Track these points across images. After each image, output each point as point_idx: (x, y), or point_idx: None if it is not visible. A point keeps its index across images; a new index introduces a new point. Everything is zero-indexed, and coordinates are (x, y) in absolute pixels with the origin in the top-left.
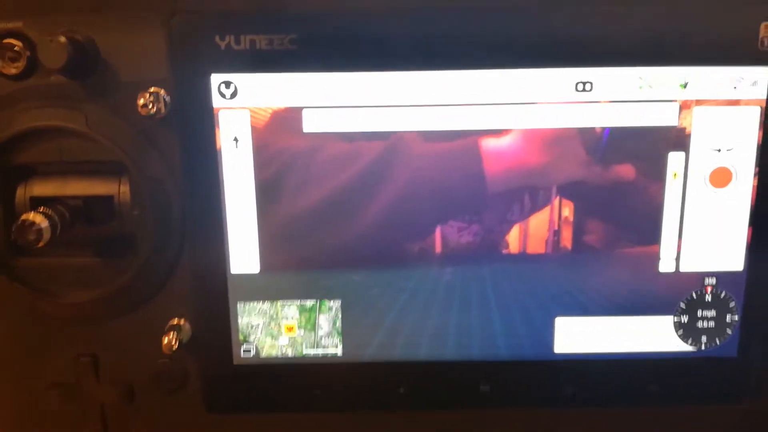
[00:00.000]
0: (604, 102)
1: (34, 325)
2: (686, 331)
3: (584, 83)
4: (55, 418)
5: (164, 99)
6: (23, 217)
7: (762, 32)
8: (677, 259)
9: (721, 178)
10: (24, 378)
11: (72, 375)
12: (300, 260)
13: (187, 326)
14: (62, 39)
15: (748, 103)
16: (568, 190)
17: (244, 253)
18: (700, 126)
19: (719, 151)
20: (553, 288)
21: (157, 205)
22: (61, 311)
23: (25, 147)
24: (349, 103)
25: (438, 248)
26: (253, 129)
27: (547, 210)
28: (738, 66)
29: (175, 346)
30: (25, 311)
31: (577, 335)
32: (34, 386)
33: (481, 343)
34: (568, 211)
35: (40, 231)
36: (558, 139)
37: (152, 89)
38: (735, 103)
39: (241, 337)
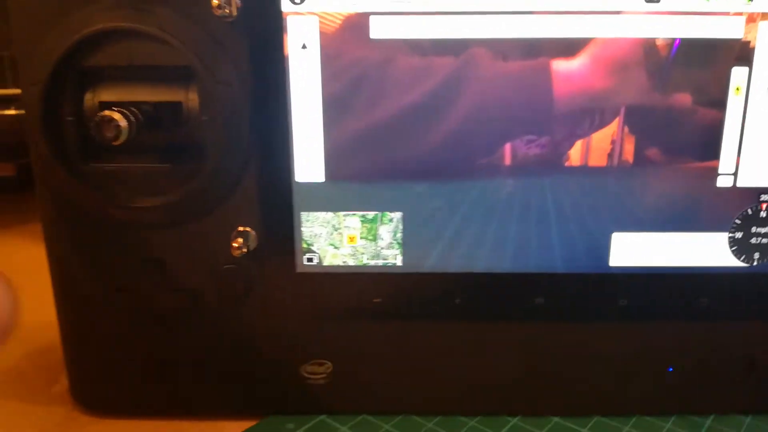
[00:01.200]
0: (672, 14)
1: (102, 230)
2: (740, 247)
3: None
4: (120, 323)
5: (236, 0)
6: (104, 112)
7: None
8: (735, 174)
9: None
10: (91, 281)
11: (138, 280)
12: (364, 171)
13: (254, 234)
14: None
15: None
16: (633, 107)
17: (309, 162)
18: (765, 40)
19: None
20: (611, 202)
21: (226, 111)
22: (129, 216)
23: (94, 50)
24: (419, 9)
25: (505, 161)
26: (322, 35)
27: (612, 125)
28: None
29: (243, 251)
30: (94, 216)
31: (633, 249)
32: (100, 290)
33: (538, 256)
34: (631, 126)
35: (119, 128)
36: (625, 56)
37: None
38: None
39: (304, 246)
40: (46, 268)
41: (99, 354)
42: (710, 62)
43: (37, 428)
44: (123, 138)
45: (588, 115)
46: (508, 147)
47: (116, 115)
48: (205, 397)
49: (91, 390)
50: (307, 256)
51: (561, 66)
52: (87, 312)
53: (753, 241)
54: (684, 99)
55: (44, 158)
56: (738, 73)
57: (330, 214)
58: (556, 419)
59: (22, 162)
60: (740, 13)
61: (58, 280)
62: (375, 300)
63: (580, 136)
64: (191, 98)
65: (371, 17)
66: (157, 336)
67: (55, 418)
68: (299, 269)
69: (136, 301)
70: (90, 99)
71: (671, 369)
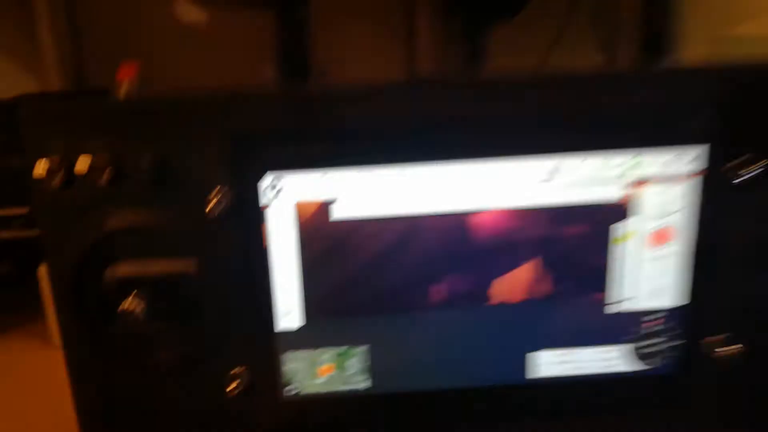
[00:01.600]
0: (565, 184)
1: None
2: (635, 356)
3: (551, 171)
4: None
5: (224, 198)
6: (124, 307)
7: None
8: (620, 301)
9: (660, 238)
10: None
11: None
12: (334, 315)
13: (246, 374)
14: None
15: (685, 178)
16: (537, 252)
17: (288, 314)
18: (644, 199)
19: (660, 217)
20: (526, 328)
21: (223, 280)
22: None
23: (112, 241)
24: (368, 194)
25: (439, 297)
26: (295, 219)
27: (522, 268)
28: (678, 146)
29: (238, 390)
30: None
31: (547, 364)
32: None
33: (467, 372)
34: (537, 267)
35: (136, 316)
36: (530, 214)
37: (215, 190)
38: (674, 179)
39: (285, 380)
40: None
41: None
42: (597, 219)
43: None
44: (140, 321)
45: (500, 259)
46: (441, 286)
47: (133, 307)
48: None
49: None
50: (288, 388)
51: (477, 219)
52: None
53: (645, 350)
54: (578, 246)
55: (68, 324)
56: (622, 226)
57: (307, 352)
58: None
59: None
60: (624, 178)
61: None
62: (347, 418)
63: (496, 277)
64: (194, 269)
65: (330, 206)
66: None
67: None
68: (283, 399)
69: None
70: (110, 275)
71: None
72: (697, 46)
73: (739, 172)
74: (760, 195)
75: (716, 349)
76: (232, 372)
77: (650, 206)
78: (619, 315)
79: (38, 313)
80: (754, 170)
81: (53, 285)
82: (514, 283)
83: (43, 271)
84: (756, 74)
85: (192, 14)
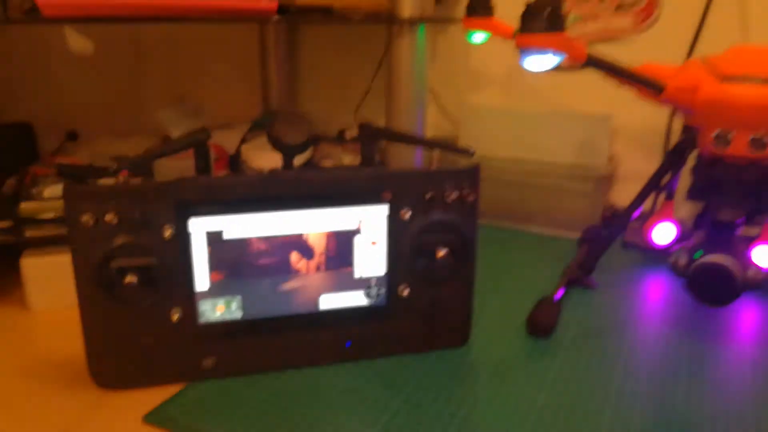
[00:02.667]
0: (333, 220)
1: None
2: (366, 296)
3: (326, 215)
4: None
5: (171, 229)
6: (127, 280)
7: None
8: (359, 271)
9: (374, 243)
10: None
11: None
12: (225, 282)
13: None
14: None
15: (383, 219)
16: (323, 249)
17: (202, 282)
18: (364, 227)
19: (374, 233)
20: (318, 284)
21: (170, 268)
22: None
23: (116, 251)
24: (242, 226)
25: (274, 272)
26: (206, 238)
27: (314, 259)
28: (376, 205)
29: (177, 319)
30: None
31: (327, 301)
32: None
33: (288, 308)
34: (321, 256)
35: (133, 285)
36: (325, 234)
37: (167, 226)
38: (378, 218)
39: None
40: None
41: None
42: (346, 237)
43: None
44: (135, 287)
45: (305, 252)
46: (279, 264)
47: (130, 280)
48: None
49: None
50: (201, 318)
51: (299, 241)
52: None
53: (371, 293)
54: (342, 246)
55: (87, 294)
56: (356, 239)
57: (210, 300)
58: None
59: None
60: (354, 221)
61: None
62: (231, 332)
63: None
64: (157, 263)
65: (222, 232)
66: None
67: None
68: (198, 323)
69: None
70: (115, 264)
71: (349, 343)
72: (447, 108)
73: (403, 217)
74: (415, 225)
75: (402, 292)
76: (173, 311)
77: (368, 229)
78: (359, 278)
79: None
80: (407, 214)
81: (78, 273)
82: (312, 263)
83: (25, 261)
84: (404, 175)
85: (79, 44)
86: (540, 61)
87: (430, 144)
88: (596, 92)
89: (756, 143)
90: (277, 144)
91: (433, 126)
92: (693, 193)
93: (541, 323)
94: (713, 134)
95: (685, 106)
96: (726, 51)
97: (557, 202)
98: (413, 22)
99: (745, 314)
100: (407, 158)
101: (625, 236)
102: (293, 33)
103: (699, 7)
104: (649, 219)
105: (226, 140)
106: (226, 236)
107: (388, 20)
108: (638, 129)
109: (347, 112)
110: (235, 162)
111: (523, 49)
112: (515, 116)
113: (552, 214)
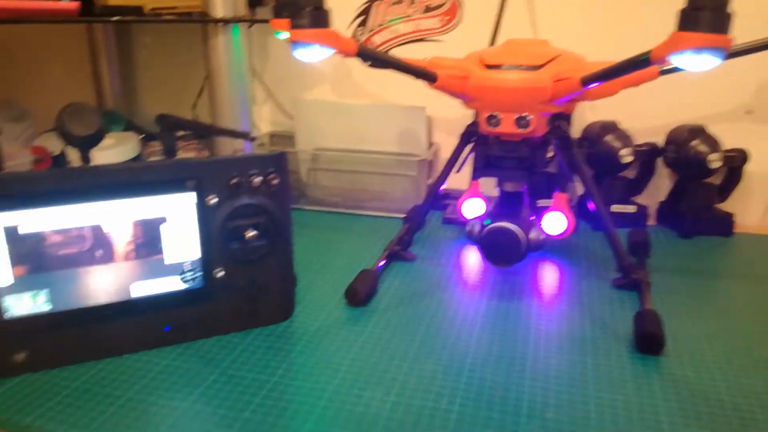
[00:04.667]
0: (141, 210)
1: None
2: (181, 281)
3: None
4: None
5: None
6: None
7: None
8: (169, 257)
9: (186, 231)
10: None
11: None
12: (28, 276)
13: None
14: None
15: (192, 207)
16: (130, 238)
17: (2, 278)
18: (172, 214)
19: (183, 222)
20: (126, 271)
21: None
22: None
23: None
24: (40, 220)
25: (82, 264)
26: (4, 235)
27: (123, 252)
28: (187, 192)
29: None
30: None
31: (138, 289)
32: None
33: (98, 297)
34: (130, 247)
35: None
36: (134, 223)
37: None
38: (189, 206)
39: None
40: None
41: None
42: (153, 225)
43: None
44: None
45: (103, 245)
46: (87, 259)
47: None
48: None
49: None
50: (6, 314)
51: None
52: None
53: (186, 278)
54: (150, 235)
55: None
56: (162, 228)
57: (14, 296)
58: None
59: None
60: (162, 210)
61: None
62: (40, 325)
63: (109, 251)
64: None
65: (17, 226)
66: None
67: None
68: (2, 319)
69: None
70: None
71: (168, 327)
72: (283, 105)
73: (209, 202)
74: (223, 210)
75: (217, 275)
76: None
77: (175, 217)
78: (170, 264)
79: None
80: (213, 200)
81: None
82: (119, 252)
83: None
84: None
85: None
86: (309, 53)
87: (215, 132)
88: (416, 86)
89: (521, 122)
90: (66, 136)
91: (270, 121)
92: (482, 171)
93: (357, 292)
94: (486, 116)
95: (458, 93)
96: (501, 44)
97: (386, 186)
98: (226, 22)
99: (533, 272)
100: (232, 144)
101: (445, 213)
102: (123, 34)
103: (494, 6)
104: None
105: (51, 143)
106: (21, 231)
107: (201, 20)
108: (454, 119)
109: (185, 109)
110: (59, 163)
111: (293, 43)
112: (344, 109)
113: (382, 198)
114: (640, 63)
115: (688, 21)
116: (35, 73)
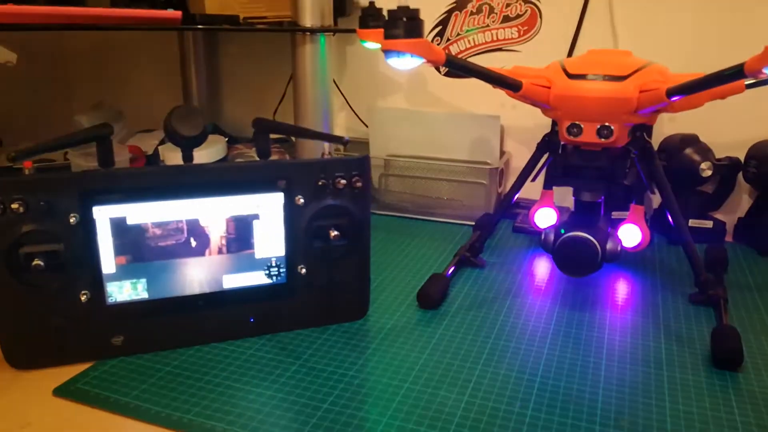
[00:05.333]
0: (233, 207)
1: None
2: (267, 275)
3: (224, 202)
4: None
5: (76, 217)
6: (35, 263)
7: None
8: (259, 252)
9: (273, 230)
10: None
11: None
12: (129, 265)
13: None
14: None
15: (279, 206)
16: (223, 232)
17: (108, 265)
18: (263, 212)
19: (274, 221)
20: (221, 264)
21: (76, 252)
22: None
23: (24, 237)
24: (142, 213)
25: (179, 256)
26: (110, 224)
27: (214, 241)
28: (276, 192)
29: (85, 300)
30: None
31: (230, 280)
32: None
33: (193, 287)
34: (222, 240)
35: (40, 268)
36: (228, 219)
37: (72, 214)
38: (275, 205)
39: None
40: None
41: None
42: (245, 221)
43: None
44: (42, 270)
45: (203, 238)
46: (184, 249)
47: (38, 263)
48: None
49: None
50: (109, 299)
51: (199, 225)
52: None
53: (271, 273)
54: (243, 230)
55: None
56: (255, 224)
57: (117, 282)
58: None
59: None
60: (253, 207)
61: None
62: (138, 311)
63: (207, 245)
64: (63, 248)
65: (126, 217)
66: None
67: None
68: (106, 303)
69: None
70: (24, 251)
71: (252, 319)
72: (358, 112)
73: (298, 202)
74: (309, 210)
75: (300, 271)
76: (82, 293)
77: (266, 214)
78: (260, 258)
79: None
80: (300, 200)
81: None
82: (213, 246)
83: None
84: (297, 165)
85: (3, 54)
86: (402, 62)
87: (310, 135)
88: (488, 96)
89: (603, 131)
90: (172, 136)
91: (346, 128)
92: (559, 180)
93: (429, 296)
94: (567, 125)
95: (541, 101)
96: (583, 54)
97: (457, 194)
98: (314, 32)
99: (607, 284)
100: (315, 151)
101: (516, 222)
102: (211, 42)
103: (575, 17)
104: (533, 206)
105: (145, 143)
106: (129, 222)
107: (291, 29)
108: (527, 128)
109: (266, 115)
110: (153, 162)
111: (386, 51)
112: (418, 117)
113: (453, 205)
114: (732, 75)
115: None
116: (127, 77)
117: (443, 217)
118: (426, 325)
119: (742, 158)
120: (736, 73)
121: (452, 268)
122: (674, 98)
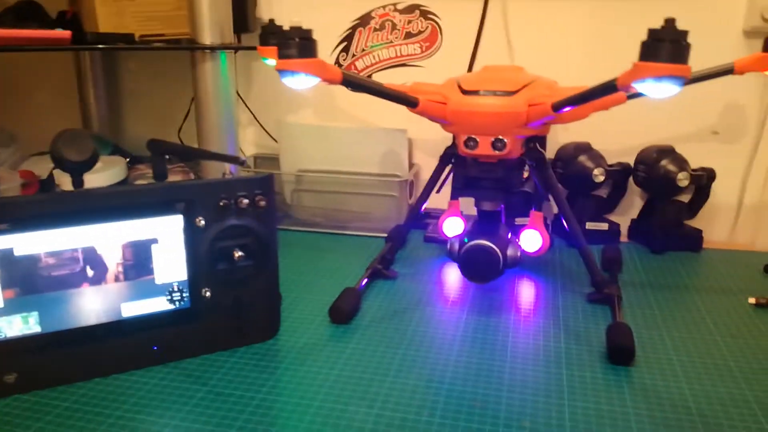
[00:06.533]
0: (129, 233)
1: None
2: (169, 301)
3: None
4: None
5: None
6: None
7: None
8: (159, 278)
9: (171, 254)
10: None
11: None
12: (19, 297)
13: None
14: None
15: (179, 230)
16: (104, 261)
17: None
18: (163, 236)
19: (173, 245)
20: (119, 292)
21: None
22: None
23: None
24: (34, 243)
25: (73, 287)
26: None
27: (110, 271)
28: (173, 215)
29: None
30: None
31: (129, 308)
32: None
33: (87, 318)
34: (119, 267)
35: None
36: (124, 245)
37: None
38: (177, 229)
39: None
40: None
41: None
42: (142, 248)
43: None
44: None
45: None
46: (79, 281)
47: None
48: None
49: None
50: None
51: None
52: None
53: (174, 297)
54: (141, 255)
55: None
56: (154, 249)
57: (5, 317)
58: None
59: None
60: (152, 231)
61: None
62: (31, 346)
63: (98, 275)
64: None
65: (12, 249)
66: None
67: None
68: None
69: None
70: None
71: (155, 347)
72: (267, 128)
73: (198, 224)
74: (211, 231)
75: (204, 295)
76: None
77: (165, 238)
78: (161, 284)
79: None
80: (201, 221)
81: None
82: (110, 273)
83: None
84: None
85: None
86: (296, 81)
87: (206, 156)
88: (396, 110)
89: (497, 144)
90: (59, 162)
91: (255, 144)
92: (461, 191)
93: (341, 310)
94: (464, 139)
95: (438, 117)
96: (478, 71)
97: (368, 207)
98: (214, 49)
99: (511, 288)
100: (221, 169)
101: (427, 232)
102: (109, 60)
103: (473, 33)
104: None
105: (39, 166)
106: (16, 253)
107: (190, 47)
108: (434, 140)
109: (170, 133)
110: (47, 187)
111: (281, 71)
112: (327, 132)
113: (365, 218)
114: (607, 89)
115: (649, 52)
116: (21, 98)
117: (356, 230)
118: (338, 341)
119: (632, 163)
120: (609, 87)
121: (365, 281)
122: (560, 111)
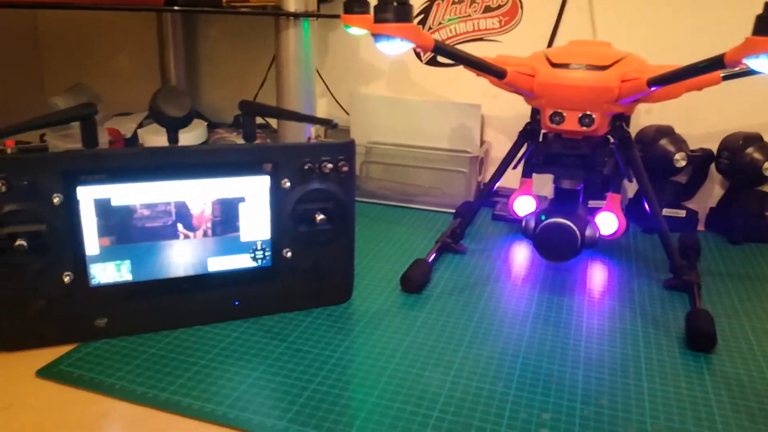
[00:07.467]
0: (219, 189)
1: None
2: (252, 258)
3: (212, 185)
4: None
5: (60, 198)
6: (16, 244)
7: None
8: (244, 236)
9: (258, 215)
10: None
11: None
12: (114, 246)
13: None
14: None
15: (266, 189)
16: (209, 214)
17: (91, 246)
18: (249, 194)
19: (260, 202)
20: (206, 246)
21: (59, 232)
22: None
23: (6, 217)
24: (127, 194)
25: (164, 238)
26: (94, 205)
27: (200, 227)
28: (262, 175)
29: (69, 281)
30: None
31: (215, 263)
32: None
33: (177, 270)
34: (208, 221)
35: (23, 249)
36: (213, 202)
37: (56, 194)
38: (262, 188)
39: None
40: None
41: None
42: (232, 204)
43: None
44: (25, 251)
45: (170, 223)
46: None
47: (20, 244)
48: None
49: None
50: (92, 280)
51: (185, 207)
52: None
53: (257, 256)
54: (228, 213)
55: None
56: (241, 206)
57: (100, 264)
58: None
59: None
60: (239, 189)
61: None
62: (122, 293)
63: (187, 227)
64: (45, 229)
65: (111, 198)
66: None
67: None
68: (89, 285)
69: None
70: (4, 231)
71: (237, 302)
72: (339, 99)
73: (284, 186)
74: (295, 194)
75: (285, 255)
76: (65, 274)
77: (252, 198)
78: (246, 241)
79: None
80: (286, 183)
81: None
82: (199, 228)
83: None
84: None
85: None
86: (391, 46)
87: (298, 117)
88: (469, 85)
89: (584, 120)
90: (158, 117)
91: (327, 115)
92: (540, 167)
93: (412, 280)
94: (549, 113)
95: (525, 89)
96: (565, 45)
97: (437, 182)
98: (298, 16)
99: (584, 269)
100: (298, 136)
101: (495, 210)
102: (190, 25)
103: (555, 8)
104: (512, 194)
105: (123, 125)
106: (113, 203)
107: (275, 13)
108: (507, 118)
109: (247, 98)
110: (131, 144)
111: (375, 36)
112: (399, 105)
113: (433, 193)
114: (711, 66)
115: (765, 26)
116: (104, 60)
117: (423, 204)
118: (410, 309)
119: (715, 150)
120: (715, 63)
121: (434, 254)
122: (654, 88)
